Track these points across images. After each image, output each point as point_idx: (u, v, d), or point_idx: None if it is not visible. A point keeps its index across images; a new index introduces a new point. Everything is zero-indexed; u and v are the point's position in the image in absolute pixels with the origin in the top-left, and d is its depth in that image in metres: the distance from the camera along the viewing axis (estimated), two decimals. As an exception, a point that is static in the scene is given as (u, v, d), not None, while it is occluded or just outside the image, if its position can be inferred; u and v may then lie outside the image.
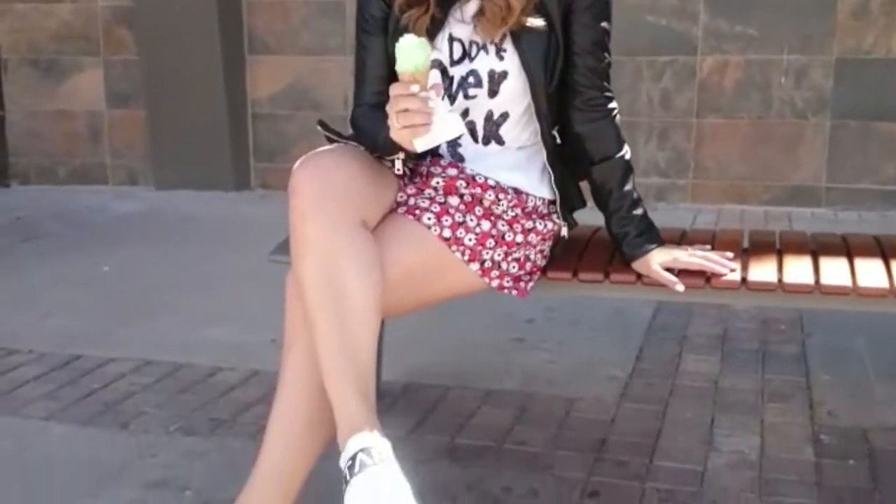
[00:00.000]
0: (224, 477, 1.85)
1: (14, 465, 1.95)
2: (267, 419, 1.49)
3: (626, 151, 1.74)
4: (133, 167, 5.09)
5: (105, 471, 1.91)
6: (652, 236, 1.73)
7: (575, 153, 1.76)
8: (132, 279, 3.38)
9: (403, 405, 2.21)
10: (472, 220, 1.63)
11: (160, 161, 4.94)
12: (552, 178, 1.72)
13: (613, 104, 1.74)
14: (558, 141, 1.73)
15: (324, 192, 1.46)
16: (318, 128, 1.69)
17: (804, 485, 1.79)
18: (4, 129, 5.25)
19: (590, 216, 1.94)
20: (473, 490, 1.79)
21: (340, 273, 1.43)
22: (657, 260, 1.70)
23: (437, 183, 1.67)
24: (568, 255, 1.83)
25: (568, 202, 1.78)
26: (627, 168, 1.74)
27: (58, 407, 2.24)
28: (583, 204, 1.83)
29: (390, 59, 1.54)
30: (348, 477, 1.32)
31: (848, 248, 1.85)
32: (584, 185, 1.81)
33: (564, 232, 1.79)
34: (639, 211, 1.74)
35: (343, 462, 1.35)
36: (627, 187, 1.73)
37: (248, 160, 4.91)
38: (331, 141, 1.67)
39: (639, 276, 1.73)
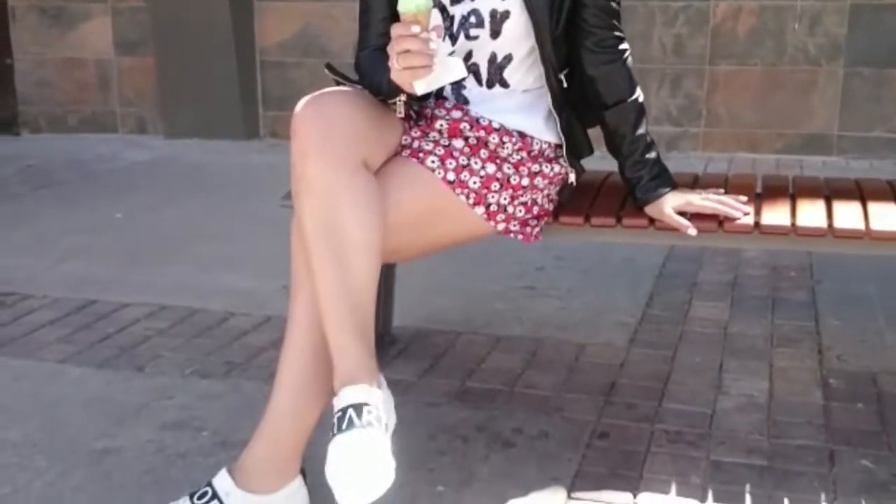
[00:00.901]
0: (239, 418, 1.88)
1: (32, 405, 1.98)
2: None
3: (639, 94, 1.73)
4: (143, 115, 5.08)
5: (122, 412, 1.94)
6: (665, 180, 1.73)
7: (587, 97, 1.74)
8: (145, 226, 3.40)
9: (414, 350, 2.23)
10: (476, 162, 1.62)
11: (169, 110, 4.93)
12: (558, 123, 1.71)
13: (625, 45, 1.72)
14: (565, 85, 1.71)
15: (325, 133, 1.44)
16: (326, 71, 1.68)
17: (812, 427, 1.81)
18: (13, 77, 5.23)
19: (598, 164, 1.94)
20: (484, 431, 1.81)
21: (340, 214, 1.42)
22: (670, 204, 1.70)
23: (442, 126, 1.66)
24: (579, 201, 1.83)
25: (575, 148, 1.76)
26: (641, 111, 1.72)
27: (73, 350, 2.28)
28: (590, 151, 1.82)
29: (393, 1, 1.52)
30: (335, 430, 1.33)
31: (861, 193, 1.84)
32: (593, 133, 1.80)
33: (572, 178, 1.79)
34: (652, 155, 1.73)
35: (334, 411, 1.36)
36: (641, 131, 1.72)
37: (257, 108, 4.89)
38: (338, 84, 1.66)
39: (651, 220, 1.73)
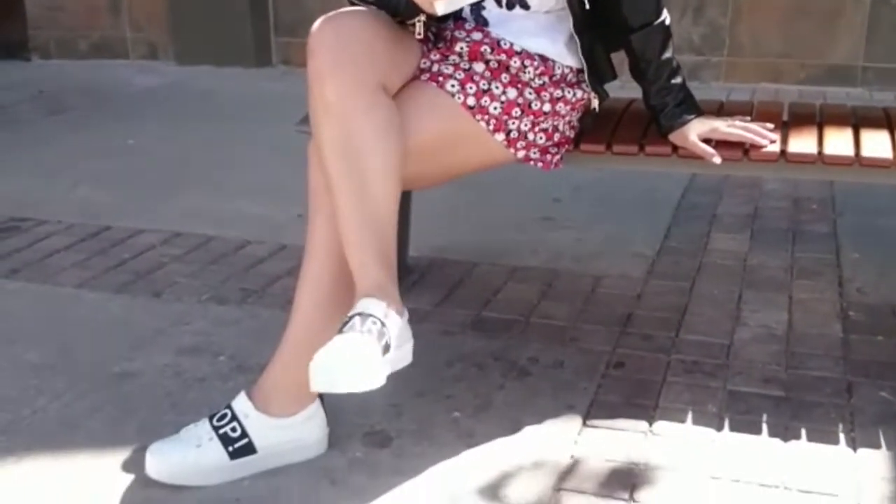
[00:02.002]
0: (256, 344, 1.88)
1: (49, 329, 1.99)
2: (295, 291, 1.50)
3: (666, 17, 1.67)
4: (154, 41, 5.01)
5: (139, 336, 1.95)
6: (690, 107, 1.69)
7: (610, 20, 1.69)
8: (158, 152, 3.37)
9: (430, 280, 2.22)
10: (497, 87, 1.58)
11: (180, 35, 4.85)
12: (580, 46, 1.66)
13: (651, -36, 1.66)
14: (587, 7, 1.65)
15: (342, 54, 1.41)
16: None
17: (830, 358, 1.80)
18: (23, 2, 5.15)
19: (620, 91, 1.89)
20: (500, 360, 1.81)
21: (359, 137, 1.39)
22: (695, 131, 1.66)
23: (462, 48, 1.61)
24: (601, 128, 1.79)
25: (597, 73, 1.71)
26: (667, 35, 1.67)
27: (89, 276, 2.28)
28: (613, 76, 1.76)
29: None
30: (342, 328, 1.31)
31: (889, 122, 1.80)
32: (616, 57, 1.75)
33: (595, 104, 1.74)
34: (678, 80, 1.68)
35: (347, 315, 1.34)
36: (667, 55, 1.67)
37: (269, 35, 4.81)
38: (353, 5, 1.62)
39: (675, 148, 1.69)
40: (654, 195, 2.76)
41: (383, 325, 1.31)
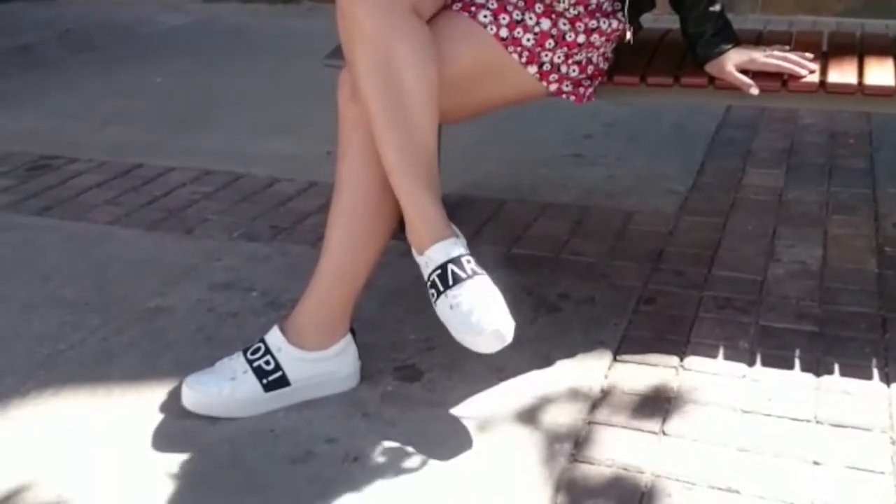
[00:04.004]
0: (287, 280, 1.89)
1: (84, 264, 2.01)
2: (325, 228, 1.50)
3: (705, -59, 1.62)
4: (178, -21, 4.96)
5: (172, 272, 1.96)
6: (728, 35, 1.64)
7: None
8: (186, 91, 3.36)
9: (459, 217, 2.20)
10: (531, 18, 1.55)
11: (206, -28, 4.80)
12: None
13: None
14: None
15: None
16: None
17: (865, 293, 1.78)
18: (47, -61, 5.11)
19: (654, 22, 1.84)
20: (531, 295, 1.81)
21: (396, 60, 1.37)
22: (733, 61, 1.61)
23: (495, -22, 1.57)
24: (635, 60, 1.75)
25: (636, 3, 1.67)
26: (707, -41, 1.62)
27: (122, 212, 2.29)
28: (652, 5, 1.72)
29: None
30: (441, 287, 1.35)
31: (934, 52, 1.74)
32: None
33: (629, 36, 1.70)
34: (716, 7, 1.63)
35: (429, 271, 1.37)
36: (705, -19, 1.62)
37: (295, -29, 4.74)
38: None
39: (711, 79, 1.65)
40: (687, 131, 2.72)
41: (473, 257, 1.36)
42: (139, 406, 1.51)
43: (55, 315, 1.80)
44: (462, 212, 2.22)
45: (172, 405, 1.50)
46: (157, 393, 1.54)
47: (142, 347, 1.68)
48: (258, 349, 1.49)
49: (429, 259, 1.38)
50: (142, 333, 1.73)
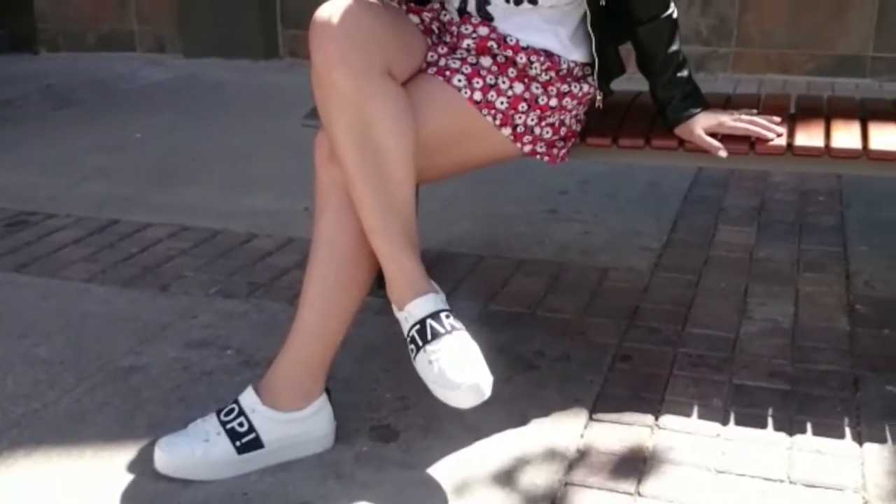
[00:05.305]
0: (263, 337, 1.89)
1: (59, 323, 2.00)
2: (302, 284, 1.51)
3: (673, 10, 1.67)
4: (161, 34, 5.02)
5: (147, 330, 1.95)
6: (697, 100, 1.68)
7: (619, 13, 1.68)
8: (165, 146, 3.38)
9: (437, 273, 2.20)
10: (504, 81, 1.58)
11: (188, 28, 4.86)
12: (594, 41, 1.65)
13: (658, -42, 1.65)
14: (602, 2, 1.65)
15: (348, 40, 1.39)
16: None
17: (837, 352, 1.80)
18: (31, -6, 5.17)
19: (626, 84, 1.88)
20: (506, 353, 1.82)
21: (373, 123, 1.40)
22: (701, 124, 1.65)
23: (469, 44, 1.61)
24: (607, 122, 1.79)
25: (606, 69, 1.71)
26: (674, 27, 1.66)
27: (98, 269, 2.29)
28: (621, 71, 1.76)
29: None
30: (420, 343, 1.37)
31: (898, 115, 1.79)
32: (623, 50, 1.74)
33: (599, 101, 1.73)
34: (684, 73, 1.68)
35: (409, 326, 1.39)
36: (674, 48, 1.66)
37: (277, 27, 4.81)
38: None
39: (681, 141, 1.69)
40: (660, 188, 2.76)
41: (452, 313, 1.39)
42: (112, 468, 1.49)
43: (30, 373, 1.78)
44: (440, 268, 2.24)
45: (145, 467, 1.48)
46: (129, 454, 1.52)
47: (115, 407, 1.67)
48: (232, 410, 1.48)
49: (409, 314, 1.40)
50: (115, 392, 1.71)
